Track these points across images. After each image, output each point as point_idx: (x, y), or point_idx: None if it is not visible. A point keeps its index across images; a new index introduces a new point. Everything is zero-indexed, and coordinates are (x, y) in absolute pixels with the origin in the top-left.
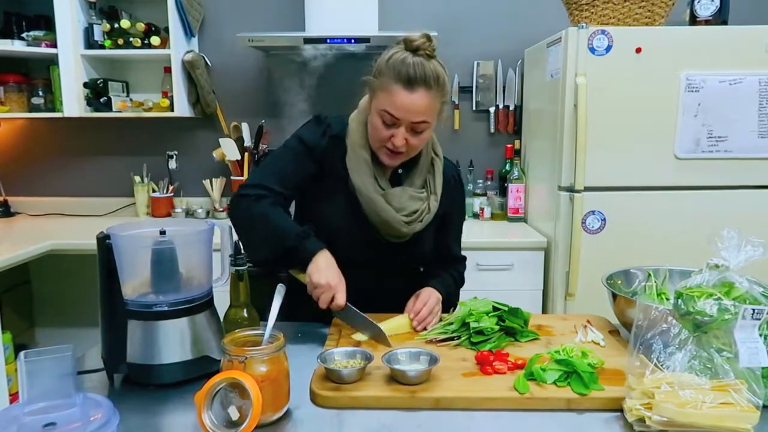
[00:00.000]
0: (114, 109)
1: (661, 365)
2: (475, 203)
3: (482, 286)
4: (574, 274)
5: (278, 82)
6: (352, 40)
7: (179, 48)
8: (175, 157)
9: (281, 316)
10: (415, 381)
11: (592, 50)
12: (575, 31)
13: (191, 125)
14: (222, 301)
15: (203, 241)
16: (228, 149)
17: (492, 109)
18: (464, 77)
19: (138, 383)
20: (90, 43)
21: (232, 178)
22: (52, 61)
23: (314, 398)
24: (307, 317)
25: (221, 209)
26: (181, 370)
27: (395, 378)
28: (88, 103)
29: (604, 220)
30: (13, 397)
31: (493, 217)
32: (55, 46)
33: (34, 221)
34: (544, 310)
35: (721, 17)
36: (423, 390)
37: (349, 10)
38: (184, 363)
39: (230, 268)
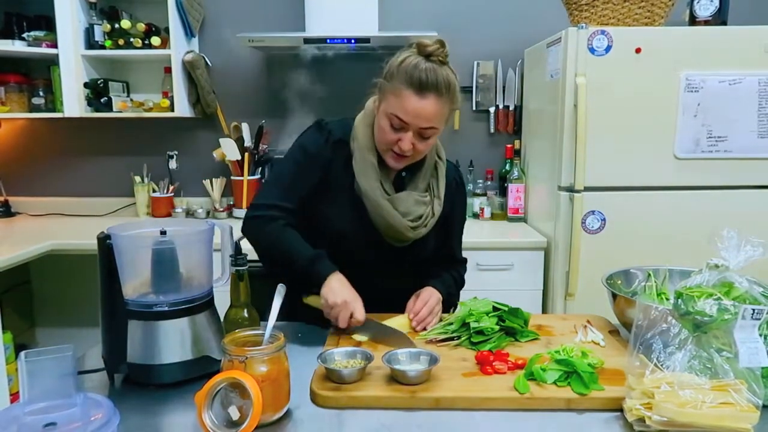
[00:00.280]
0: (114, 110)
1: (661, 365)
2: (475, 203)
3: (482, 286)
4: (574, 274)
5: (278, 82)
6: (352, 41)
7: (179, 48)
8: (175, 157)
9: (281, 316)
10: (415, 381)
11: (592, 50)
12: (575, 31)
13: (191, 125)
14: (222, 301)
15: (203, 241)
16: (228, 149)
17: (492, 109)
18: (464, 77)
19: (138, 383)
20: (90, 43)
21: (232, 178)
22: (53, 62)
23: (314, 398)
24: (307, 317)
25: (221, 209)
26: (181, 370)
27: (395, 378)
28: (89, 104)
29: (604, 220)
30: (14, 397)
31: (493, 217)
32: (55, 46)
33: (34, 221)
34: (544, 310)
35: (720, 17)
36: (423, 390)
37: (349, 11)
38: (184, 363)
39: (230, 268)
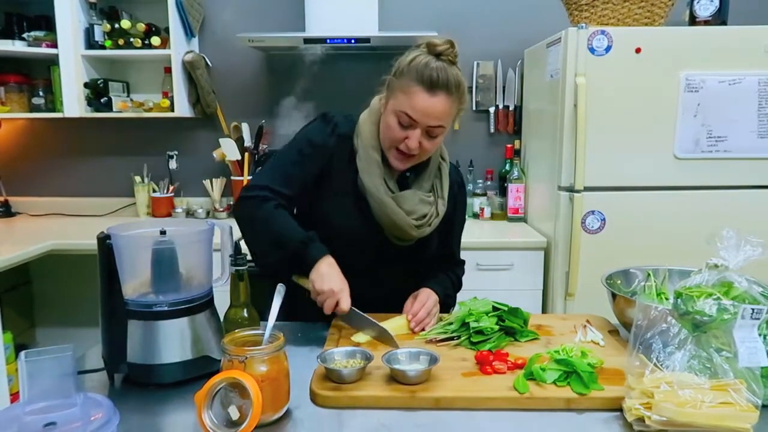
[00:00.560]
0: (114, 110)
1: (661, 365)
2: (475, 203)
3: (482, 286)
4: (573, 274)
5: (278, 82)
6: (352, 41)
7: (179, 48)
8: (175, 157)
9: (281, 316)
10: (415, 381)
11: (592, 50)
12: (575, 31)
13: (191, 125)
14: (222, 301)
15: (203, 241)
16: (228, 149)
17: (492, 109)
18: (464, 77)
19: (138, 383)
20: (90, 43)
21: (232, 178)
22: (53, 62)
23: (314, 398)
24: (307, 317)
25: (221, 209)
26: (181, 370)
27: (395, 378)
28: (89, 104)
29: (604, 220)
30: (14, 397)
31: (493, 217)
32: (55, 46)
33: (34, 221)
34: (544, 310)
35: (720, 17)
36: (423, 390)
37: (349, 11)
38: (184, 363)
39: (230, 268)
